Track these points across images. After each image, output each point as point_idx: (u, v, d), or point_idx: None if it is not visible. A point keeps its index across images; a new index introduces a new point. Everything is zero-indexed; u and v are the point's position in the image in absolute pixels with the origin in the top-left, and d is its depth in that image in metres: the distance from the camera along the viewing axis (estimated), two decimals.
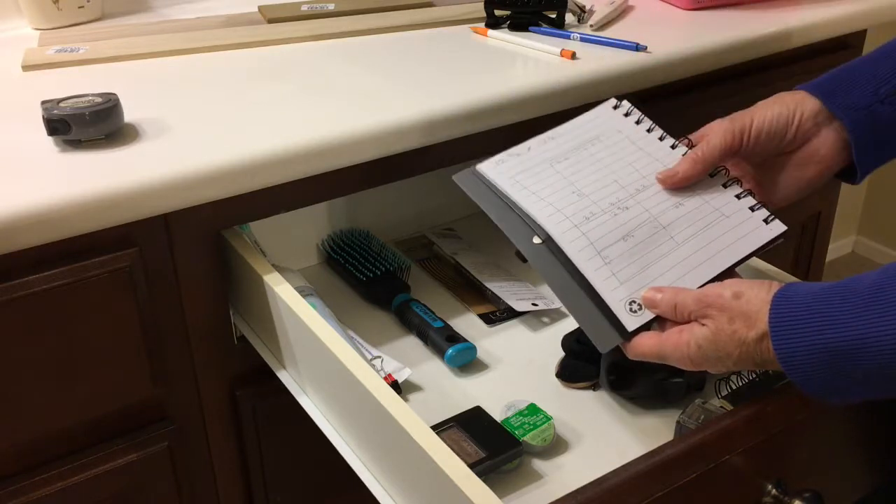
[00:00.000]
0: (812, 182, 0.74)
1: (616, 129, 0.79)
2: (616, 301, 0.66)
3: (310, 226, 0.99)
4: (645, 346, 0.64)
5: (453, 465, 0.56)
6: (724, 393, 0.73)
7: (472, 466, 0.62)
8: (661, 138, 0.77)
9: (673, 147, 0.76)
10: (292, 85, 0.94)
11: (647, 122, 0.78)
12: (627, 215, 0.70)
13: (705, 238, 0.69)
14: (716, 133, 0.73)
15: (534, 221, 0.71)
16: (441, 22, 1.15)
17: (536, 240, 0.70)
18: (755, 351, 0.59)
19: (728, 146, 0.72)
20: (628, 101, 0.81)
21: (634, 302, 0.65)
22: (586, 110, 1.01)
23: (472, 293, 0.94)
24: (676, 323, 0.64)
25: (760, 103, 0.75)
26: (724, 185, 0.72)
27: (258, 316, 0.83)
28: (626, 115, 0.80)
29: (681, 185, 0.72)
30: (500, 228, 0.72)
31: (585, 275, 0.67)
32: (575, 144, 0.77)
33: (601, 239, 0.69)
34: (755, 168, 0.76)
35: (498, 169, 0.76)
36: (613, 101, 0.81)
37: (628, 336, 0.65)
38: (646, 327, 0.65)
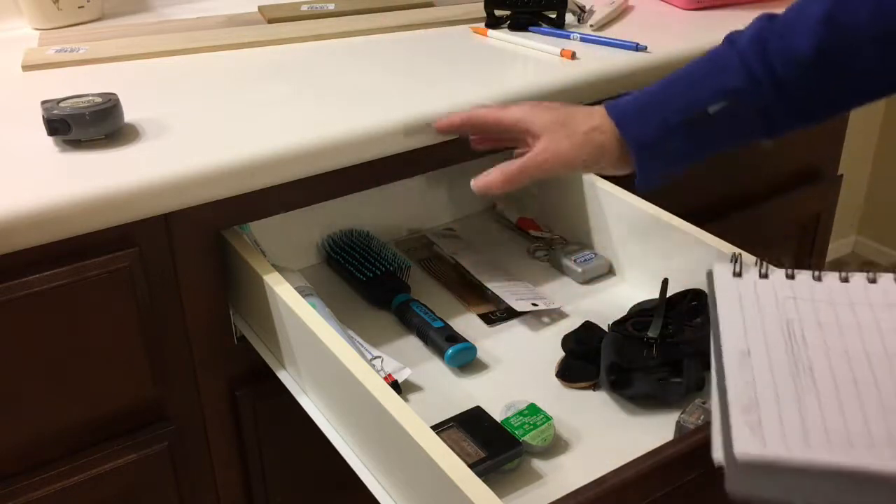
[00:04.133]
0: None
1: (784, 297, 0.62)
2: None
3: (310, 226, 0.99)
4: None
5: (453, 465, 0.56)
6: None
7: (472, 466, 0.62)
8: (816, 278, 0.63)
9: (845, 280, 0.63)
10: (292, 85, 0.94)
11: (779, 273, 0.64)
12: None
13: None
14: (532, 164, 0.77)
15: None
16: (441, 22, 1.15)
17: None
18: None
19: (534, 178, 0.78)
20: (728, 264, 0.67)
21: None
22: None
23: (472, 293, 0.94)
24: None
25: (566, 130, 0.77)
26: None
27: (258, 316, 0.83)
28: (738, 275, 0.65)
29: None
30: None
31: None
32: (781, 345, 0.58)
33: None
34: None
35: (770, 437, 0.51)
36: (718, 270, 0.66)
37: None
38: None
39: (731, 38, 0.73)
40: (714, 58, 0.73)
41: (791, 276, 0.64)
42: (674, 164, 0.75)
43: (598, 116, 0.75)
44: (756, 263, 0.66)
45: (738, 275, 0.64)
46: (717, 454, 0.51)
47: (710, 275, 0.65)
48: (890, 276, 0.62)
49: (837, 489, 0.49)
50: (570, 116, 0.77)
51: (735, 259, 0.66)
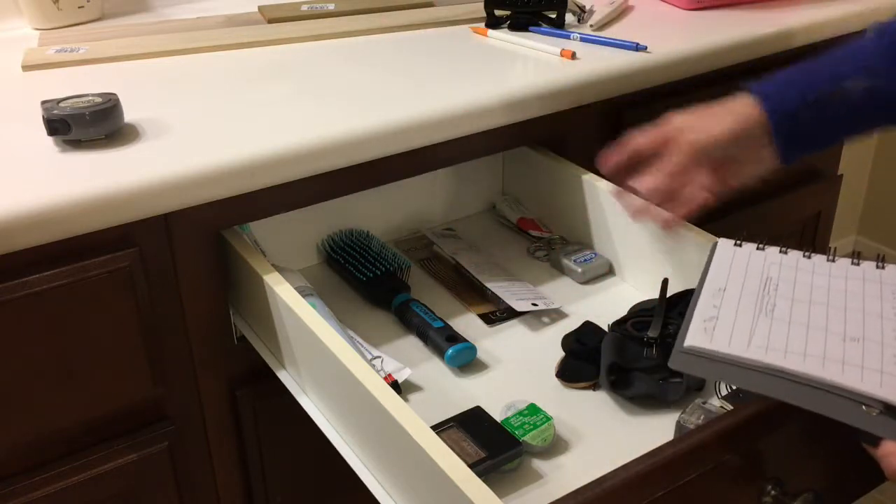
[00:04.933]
0: (756, 172, 0.81)
1: (770, 262, 0.71)
2: None
3: (310, 226, 0.99)
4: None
5: (453, 465, 0.56)
6: (724, 393, 0.73)
7: (472, 466, 0.62)
8: (806, 256, 0.72)
9: (832, 259, 0.71)
10: (292, 85, 0.94)
11: (773, 248, 0.73)
12: None
13: None
14: (680, 148, 0.78)
15: (853, 391, 0.58)
16: (441, 22, 1.15)
17: (873, 412, 0.57)
18: None
19: (690, 161, 0.78)
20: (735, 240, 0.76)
21: None
22: (586, 110, 1.01)
23: (472, 293, 0.94)
24: None
25: (712, 112, 0.79)
26: None
27: (258, 316, 0.83)
28: (738, 245, 0.75)
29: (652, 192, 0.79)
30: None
31: None
32: (755, 290, 0.68)
33: None
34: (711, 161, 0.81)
35: (718, 337, 0.63)
36: (722, 242, 0.75)
37: None
38: None
39: (880, 28, 0.77)
40: (860, 43, 0.76)
41: (784, 252, 0.72)
42: (811, 143, 0.78)
43: (740, 96, 0.79)
44: (758, 242, 0.74)
45: (738, 245, 0.74)
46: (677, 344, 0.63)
47: (714, 245, 0.74)
48: (872, 262, 0.70)
49: (762, 382, 0.60)
50: (715, 105, 0.80)
51: (740, 237, 0.75)
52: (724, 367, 0.61)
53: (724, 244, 0.75)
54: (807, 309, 0.65)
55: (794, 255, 0.72)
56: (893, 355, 0.60)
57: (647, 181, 0.79)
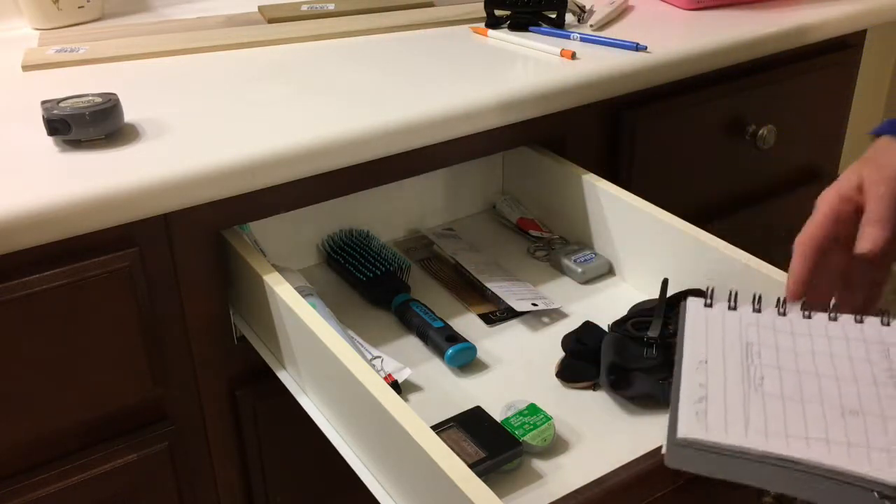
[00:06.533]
0: None
1: (747, 324, 0.67)
2: None
3: (310, 226, 0.99)
4: None
5: (453, 465, 0.56)
6: None
7: (472, 466, 0.62)
8: (781, 313, 0.67)
9: (807, 316, 0.67)
10: (292, 85, 0.94)
11: (746, 307, 0.69)
12: None
13: None
14: (877, 186, 0.66)
15: (863, 479, 0.54)
16: (441, 22, 1.15)
17: (885, 502, 0.54)
18: None
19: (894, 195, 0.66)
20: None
21: None
22: (586, 110, 1.01)
23: (472, 293, 0.94)
24: None
25: (883, 150, 0.68)
26: None
27: (258, 316, 0.83)
28: (709, 305, 0.70)
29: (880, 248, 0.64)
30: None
31: None
32: (737, 360, 0.64)
33: None
34: None
35: (713, 424, 0.58)
36: (691, 301, 0.71)
37: None
38: None
39: None
40: None
41: (757, 310, 0.68)
42: None
43: (880, 140, 0.69)
44: (728, 297, 0.69)
45: (708, 305, 0.69)
46: (667, 436, 0.58)
47: (682, 306, 0.70)
48: (850, 317, 0.66)
49: (767, 475, 0.55)
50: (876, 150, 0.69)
51: (708, 292, 0.70)
52: (724, 460, 0.56)
53: (693, 305, 0.70)
54: (797, 380, 0.61)
55: (769, 313, 0.67)
56: (875, 425, 0.57)
57: (869, 241, 0.64)
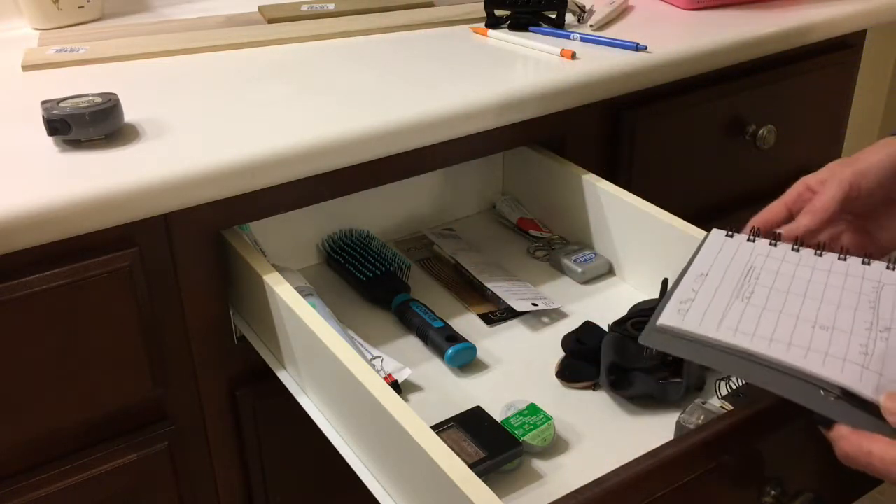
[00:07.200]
0: None
1: (758, 254, 0.71)
2: None
3: (310, 226, 0.99)
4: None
5: (453, 465, 0.56)
6: (724, 393, 0.73)
7: (472, 466, 0.62)
8: (795, 249, 0.71)
9: (819, 254, 0.70)
10: (292, 85, 0.94)
11: (764, 241, 0.72)
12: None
13: None
14: (833, 182, 0.72)
15: (813, 376, 0.58)
16: (441, 22, 1.15)
17: (830, 397, 0.58)
18: None
19: (845, 195, 0.71)
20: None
21: None
22: (586, 110, 1.01)
23: (472, 293, 0.94)
24: None
25: (868, 150, 0.73)
26: None
27: (258, 316, 0.83)
28: (730, 236, 0.73)
29: (805, 236, 0.70)
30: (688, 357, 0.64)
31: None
32: (736, 278, 0.68)
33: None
34: (858, 216, 0.75)
35: (691, 318, 0.64)
36: (714, 231, 0.74)
37: None
38: None
39: None
40: None
41: (773, 244, 0.72)
42: None
43: (884, 138, 0.73)
44: (750, 232, 0.73)
45: (730, 236, 0.73)
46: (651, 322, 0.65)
47: (706, 235, 0.74)
48: (859, 259, 0.70)
49: (729, 363, 0.61)
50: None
51: (733, 227, 0.75)
52: (692, 346, 0.63)
53: (717, 234, 0.74)
54: (783, 298, 0.66)
55: (783, 247, 0.72)
56: (860, 345, 0.60)
57: (790, 226, 0.71)
